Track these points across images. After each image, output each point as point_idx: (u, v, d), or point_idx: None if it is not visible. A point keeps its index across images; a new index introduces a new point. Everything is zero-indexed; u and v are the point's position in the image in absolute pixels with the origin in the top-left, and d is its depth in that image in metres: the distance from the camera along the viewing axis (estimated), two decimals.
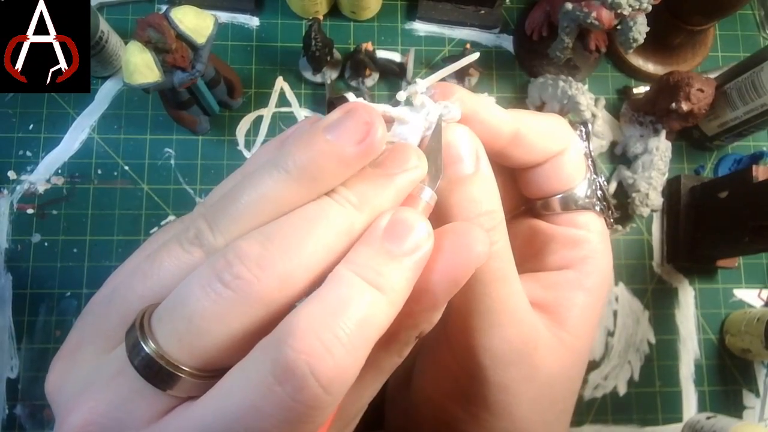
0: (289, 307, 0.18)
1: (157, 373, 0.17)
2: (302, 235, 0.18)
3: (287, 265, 0.17)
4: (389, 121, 0.22)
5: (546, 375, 0.24)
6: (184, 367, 0.17)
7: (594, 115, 0.62)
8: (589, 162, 0.26)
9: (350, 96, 0.22)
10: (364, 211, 0.19)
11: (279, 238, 0.18)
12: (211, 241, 0.19)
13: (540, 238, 0.27)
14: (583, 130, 0.27)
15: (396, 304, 0.18)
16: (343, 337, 0.16)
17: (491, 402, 0.24)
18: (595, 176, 0.26)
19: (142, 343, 0.17)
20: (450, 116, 0.22)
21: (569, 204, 0.26)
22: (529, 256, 0.27)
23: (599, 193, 0.26)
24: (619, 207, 0.64)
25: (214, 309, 0.17)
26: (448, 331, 0.25)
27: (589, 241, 0.26)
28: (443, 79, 0.24)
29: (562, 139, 0.25)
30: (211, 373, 0.18)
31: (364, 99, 0.22)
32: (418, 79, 0.22)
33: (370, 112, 0.19)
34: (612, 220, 0.27)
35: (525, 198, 0.27)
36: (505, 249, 0.23)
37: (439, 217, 0.21)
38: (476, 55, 0.24)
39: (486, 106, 0.23)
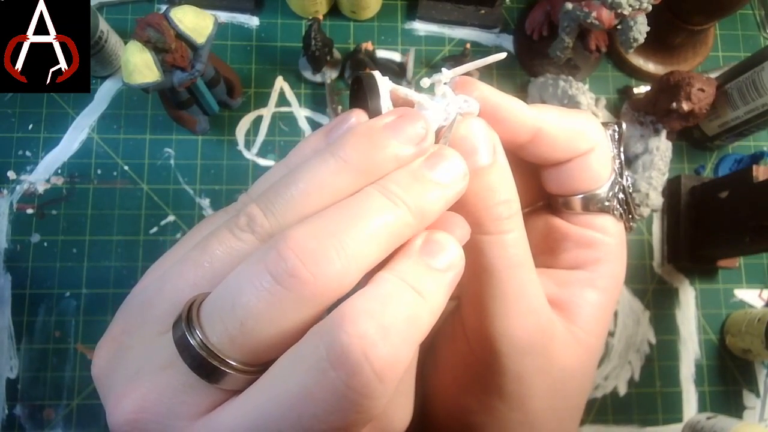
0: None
1: (207, 368, 0.17)
2: (359, 230, 0.17)
3: (343, 262, 0.17)
4: (410, 105, 0.22)
5: (560, 368, 0.24)
6: (234, 363, 0.17)
7: (595, 115, 0.61)
8: (616, 164, 0.26)
9: (377, 74, 0.22)
10: (415, 214, 0.19)
11: (334, 230, 0.17)
12: (266, 227, 0.18)
13: (554, 236, 0.27)
14: (617, 130, 0.27)
15: (434, 314, 0.18)
16: (392, 327, 0.16)
17: (505, 392, 0.24)
18: (620, 179, 0.26)
19: (190, 339, 0.17)
20: (468, 110, 0.22)
21: (590, 205, 0.25)
22: (543, 251, 0.27)
23: (621, 196, 0.26)
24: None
25: (268, 309, 0.17)
26: (464, 319, 0.25)
27: (604, 244, 0.26)
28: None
29: (589, 140, 0.24)
30: (261, 366, 0.18)
31: (388, 77, 0.23)
32: (444, 69, 0.23)
33: (423, 117, 0.20)
34: (631, 224, 0.27)
35: (544, 193, 0.27)
36: (521, 238, 0.23)
37: (456, 207, 0.21)
38: (503, 55, 0.24)
39: (507, 103, 0.23)
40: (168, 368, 0.18)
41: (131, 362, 0.19)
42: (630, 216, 0.26)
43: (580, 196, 0.25)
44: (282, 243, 0.17)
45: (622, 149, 0.26)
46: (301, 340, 0.17)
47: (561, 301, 0.25)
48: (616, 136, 0.26)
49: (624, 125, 0.27)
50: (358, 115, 0.22)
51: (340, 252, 0.17)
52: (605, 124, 0.26)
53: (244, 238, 0.19)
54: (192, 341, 0.17)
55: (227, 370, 0.17)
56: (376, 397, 0.16)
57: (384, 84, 0.22)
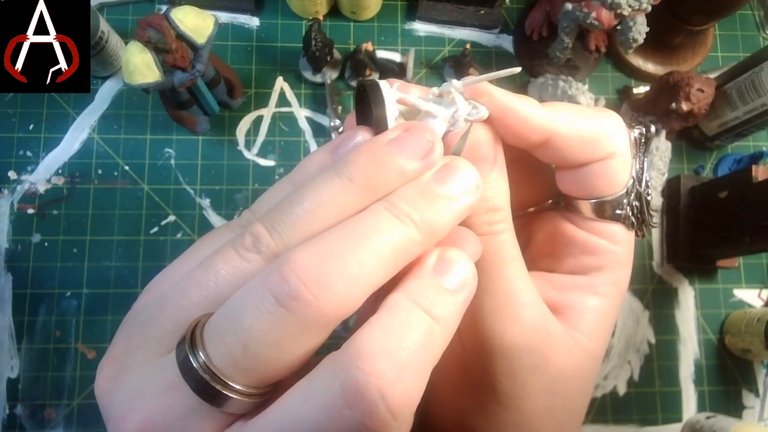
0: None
1: (210, 391, 0.17)
2: (363, 250, 0.17)
3: (347, 284, 0.17)
4: (417, 112, 0.22)
5: (558, 369, 0.24)
6: (238, 387, 0.17)
7: None
8: (635, 170, 0.24)
9: (383, 84, 0.22)
10: (424, 231, 0.18)
11: (338, 252, 0.17)
12: (272, 247, 0.18)
13: (559, 239, 0.26)
14: (644, 132, 0.25)
15: (446, 338, 0.18)
16: (408, 362, 0.16)
17: (499, 392, 0.24)
18: (638, 186, 0.24)
19: (193, 361, 0.17)
20: (477, 116, 0.22)
21: (601, 211, 0.24)
22: (546, 254, 0.27)
23: (636, 204, 0.24)
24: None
25: (271, 332, 0.16)
26: None
27: (610, 253, 0.25)
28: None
29: (608, 145, 0.23)
30: (265, 389, 0.18)
31: (389, 83, 0.22)
32: (453, 80, 0.22)
33: (430, 131, 0.20)
34: (643, 232, 0.26)
35: (555, 190, 0.26)
36: (511, 239, 0.23)
37: None
38: (518, 70, 0.23)
39: (518, 107, 0.22)
40: (171, 390, 0.17)
41: (134, 383, 0.19)
42: (643, 224, 0.25)
43: (593, 201, 0.24)
44: (285, 265, 0.17)
45: (646, 154, 0.25)
46: (314, 371, 0.17)
47: (561, 305, 0.25)
48: (642, 140, 0.25)
49: (653, 128, 0.25)
50: (364, 134, 0.21)
51: (344, 273, 0.17)
52: (631, 126, 0.25)
53: (249, 258, 0.18)
54: (195, 364, 0.17)
55: (231, 394, 0.17)
56: None
57: (389, 94, 0.22)
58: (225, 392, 0.17)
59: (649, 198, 0.25)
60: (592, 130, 0.23)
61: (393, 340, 0.16)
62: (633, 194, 0.24)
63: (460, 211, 0.19)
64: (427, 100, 0.22)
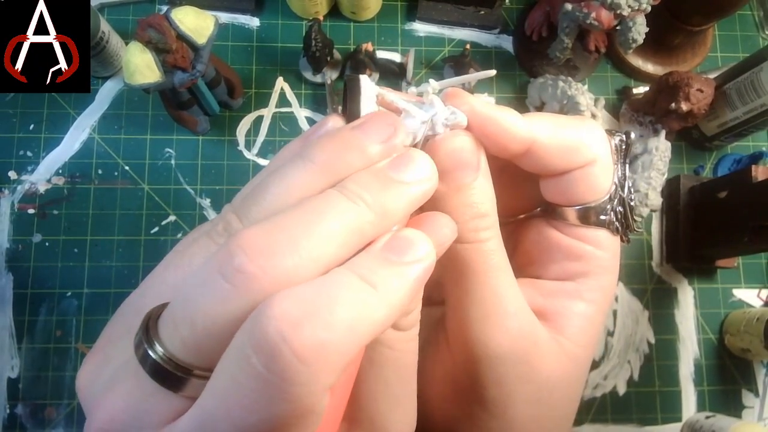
0: None
1: (166, 376, 0.17)
2: (312, 227, 0.17)
3: (294, 258, 0.16)
4: (397, 112, 0.22)
5: (544, 377, 0.24)
6: (191, 369, 0.17)
7: (594, 116, 0.62)
8: (618, 176, 0.25)
9: (363, 78, 0.22)
10: (376, 211, 0.18)
11: (285, 226, 0.17)
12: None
13: (545, 245, 0.26)
14: (624, 139, 0.25)
15: (392, 306, 0.17)
16: (320, 308, 0.16)
17: (486, 399, 0.24)
18: (621, 192, 0.25)
19: (147, 347, 0.17)
20: (455, 121, 0.22)
21: (586, 218, 0.25)
22: (533, 261, 0.27)
23: (620, 209, 0.25)
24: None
25: (215, 308, 0.16)
26: (447, 326, 0.25)
27: (595, 258, 0.25)
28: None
29: (588, 153, 0.24)
30: None
31: (371, 79, 0.23)
32: (431, 80, 0.23)
33: (393, 118, 0.20)
34: (627, 238, 0.26)
35: (542, 199, 0.26)
36: (498, 247, 0.23)
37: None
38: (492, 72, 0.24)
39: (498, 117, 0.22)
40: (134, 378, 0.18)
41: (109, 373, 0.19)
42: (627, 230, 0.26)
43: (577, 207, 0.25)
44: (232, 241, 0.16)
45: (627, 161, 0.25)
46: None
47: (548, 312, 0.25)
48: (623, 147, 0.25)
49: (633, 135, 0.26)
50: (334, 120, 0.22)
51: (292, 247, 0.16)
52: (611, 133, 0.25)
53: (220, 242, 0.19)
54: (149, 350, 0.17)
55: (185, 376, 0.17)
56: (302, 383, 0.15)
57: (368, 88, 0.22)
58: (179, 374, 0.17)
59: (632, 203, 0.25)
60: (571, 139, 0.23)
61: (310, 290, 0.16)
62: (616, 200, 0.25)
63: (414, 196, 0.19)
64: (408, 101, 0.23)
